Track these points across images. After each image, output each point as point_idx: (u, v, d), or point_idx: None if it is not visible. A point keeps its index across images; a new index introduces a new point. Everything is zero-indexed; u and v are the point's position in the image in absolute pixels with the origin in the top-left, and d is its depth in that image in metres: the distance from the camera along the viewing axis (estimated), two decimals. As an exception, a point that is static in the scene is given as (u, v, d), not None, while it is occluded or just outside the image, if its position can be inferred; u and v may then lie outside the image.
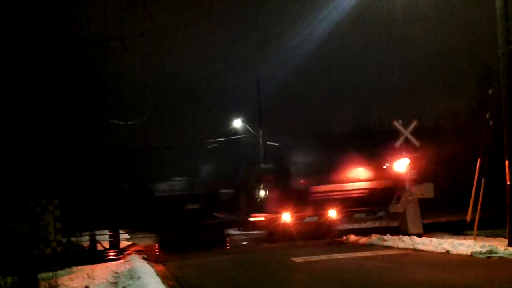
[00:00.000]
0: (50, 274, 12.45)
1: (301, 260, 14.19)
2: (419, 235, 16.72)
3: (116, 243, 21.00)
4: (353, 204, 20.67)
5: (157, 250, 21.92)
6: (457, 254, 13.15)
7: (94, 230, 20.65)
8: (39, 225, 9.48)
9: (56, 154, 16.23)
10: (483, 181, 14.56)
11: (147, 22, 9.56)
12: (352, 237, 19.34)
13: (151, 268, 13.57)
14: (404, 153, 18.37)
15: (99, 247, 20.88)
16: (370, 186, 20.70)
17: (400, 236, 16.80)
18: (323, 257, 14.64)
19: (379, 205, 20.33)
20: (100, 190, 19.75)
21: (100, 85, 9.99)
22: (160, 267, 14.85)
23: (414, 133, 18.43)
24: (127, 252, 20.33)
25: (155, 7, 9.66)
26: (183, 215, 20.68)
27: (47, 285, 10.88)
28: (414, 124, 18.59)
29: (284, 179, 22.89)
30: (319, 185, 20.92)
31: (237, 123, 37.36)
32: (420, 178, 18.51)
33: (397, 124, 18.54)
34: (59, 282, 11.64)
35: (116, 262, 17.17)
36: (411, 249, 14.99)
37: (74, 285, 11.87)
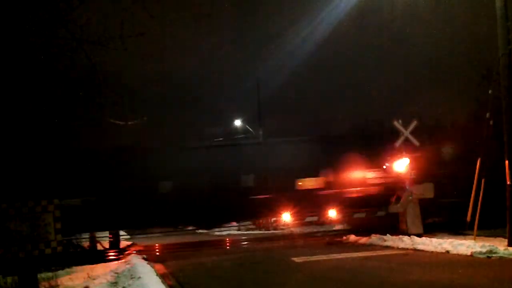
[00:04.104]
0: (50, 274, 12.46)
1: (301, 260, 14.19)
2: (419, 235, 16.72)
3: (116, 243, 21.00)
4: None
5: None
6: (457, 254, 13.15)
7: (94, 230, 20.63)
8: (39, 225, 9.48)
9: (56, 154, 16.25)
10: (483, 181, 14.56)
11: (147, 22, 9.57)
12: (352, 237, 19.35)
13: (151, 268, 13.57)
14: (404, 153, 18.39)
15: (99, 247, 20.88)
16: None
17: (400, 236, 16.81)
18: (323, 257, 14.64)
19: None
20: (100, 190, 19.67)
21: (100, 85, 9.98)
22: (160, 267, 14.86)
23: (413, 132, 18.45)
24: (127, 252, 20.34)
25: (155, 7, 9.67)
26: None
27: (47, 285, 10.88)
28: (414, 124, 18.60)
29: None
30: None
31: (237, 123, 37.42)
32: (422, 177, 18.54)
33: (397, 124, 18.56)
34: (59, 282, 11.64)
35: (116, 262, 17.18)
36: (411, 249, 15.00)
37: (74, 285, 11.86)
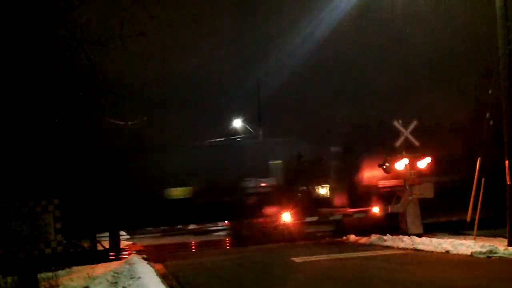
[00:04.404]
0: (50, 274, 12.45)
1: (301, 260, 14.18)
2: (419, 235, 16.72)
3: (116, 243, 20.98)
4: None
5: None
6: (457, 254, 13.15)
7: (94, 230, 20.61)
8: (39, 225, 9.48)
9: (56, 154, 16.24)
10: (483, 181, 14.56)
11: (147, 22, 9.57)
12: (352, 237, 19.33)
13: (151, 268, 13.56)
14: (404, 153, 18.39)
15: (99, 247, 20.86)
16: None
17: (400, 236, 16.80)
18: (323, 257, 14.63)
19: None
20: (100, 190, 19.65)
21: (100, 85, 9.98)
22: (160, 267, 14.85)
23: (413, 133, 18.45)
24: (127, 252, 20.33)
25: (155, 7, 9.68)
26: None
27: (47, 285, 10.88)
28: (414, 124, 18.60)
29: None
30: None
31: (237, 123, 37.48)
32: (422, 177, 18.58)
33: (397, 124, 18.55)
34: (59, 282, 11.64)
35: (116, 262, 17.17)
36: (411, 249, 14.99)
37: (74, 285, 11.86)
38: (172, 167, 20.13)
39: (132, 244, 24.42)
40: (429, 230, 18.08)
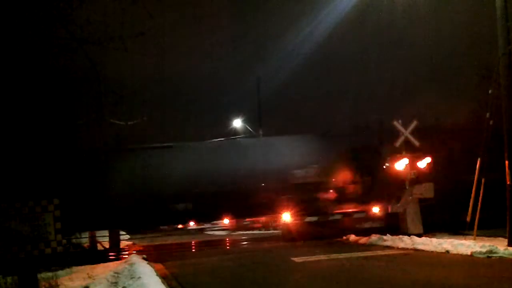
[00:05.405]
0: (50, 274, 12.47)
1: (301, 260, 14.18)
2: (419, 235, 16.73)
3: (116, 243, 21.01)
4: None
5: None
6: (457, 254, 13.15)
7: (94, 230, 20.63)
8: (39, 225, 9.48)
9: (56, 154, 16.24)
10: (483, 181, 14.56)
11: (147, 22, 9.58)
12: (352, 237, 19.34)
13: (151, 268, 13.57)
14: (404, 153, 18.39)
15: (99, 247, 20.89)
16: None
17: (400, 236, 16.80)
18: (323, 257, 14.63)
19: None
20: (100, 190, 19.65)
21: (100, 85, 9.99)
22: (160, 267, 14.86)
23: (413, 133, 18.45)
24: (127, 252, 20.35)
25: (155, 7, 9.68)
26: None
27: (47, 285, 10.88)
28: (414, 124, 18.60)
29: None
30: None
31: (237, 123, 37.44)
32: (422, 177, 18.55)
33: (397, 124, 18.55)
34: (59, 282, 11.65)
35: (116, 262, 17.18)
36: (411, 249, 15.00)
37: (74, 285, 11.87)
38: None
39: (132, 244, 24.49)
40: (429, 230, 18.09)
